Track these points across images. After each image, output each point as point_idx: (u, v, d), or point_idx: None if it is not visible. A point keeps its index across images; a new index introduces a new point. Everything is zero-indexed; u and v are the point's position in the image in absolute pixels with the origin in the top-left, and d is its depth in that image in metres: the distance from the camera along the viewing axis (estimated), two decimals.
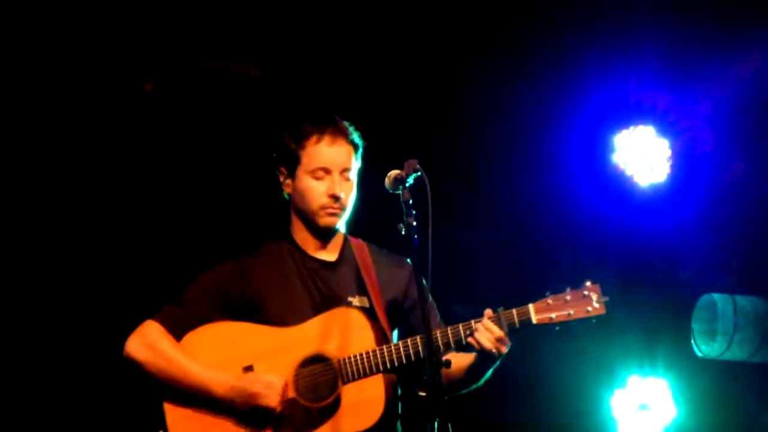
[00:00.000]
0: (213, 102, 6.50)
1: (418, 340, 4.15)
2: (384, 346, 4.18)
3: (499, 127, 6.96)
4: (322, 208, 4.32)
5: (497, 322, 4.09)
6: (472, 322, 4.15)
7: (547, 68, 6.89)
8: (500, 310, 4.12)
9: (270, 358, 4.21)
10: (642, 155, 7.03)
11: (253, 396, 4.16)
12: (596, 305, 4.12)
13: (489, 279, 6.90)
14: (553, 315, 4.10)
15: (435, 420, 3.70)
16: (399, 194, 4.12)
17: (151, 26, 6.29)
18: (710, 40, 6.70)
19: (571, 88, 6.95)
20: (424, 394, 3.81)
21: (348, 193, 4.36)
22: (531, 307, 4.13)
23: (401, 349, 4.16)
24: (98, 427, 6.24)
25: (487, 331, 4.10)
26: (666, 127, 7.07)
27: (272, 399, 4.14)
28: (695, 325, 7.02)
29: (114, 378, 5.78)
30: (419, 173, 4.11)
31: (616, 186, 7.11)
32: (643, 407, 6.95)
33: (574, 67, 6.92)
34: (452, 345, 4.16)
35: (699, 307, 7.04)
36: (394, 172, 4.18)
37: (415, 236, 3.99)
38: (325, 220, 4.34)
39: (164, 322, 4.31)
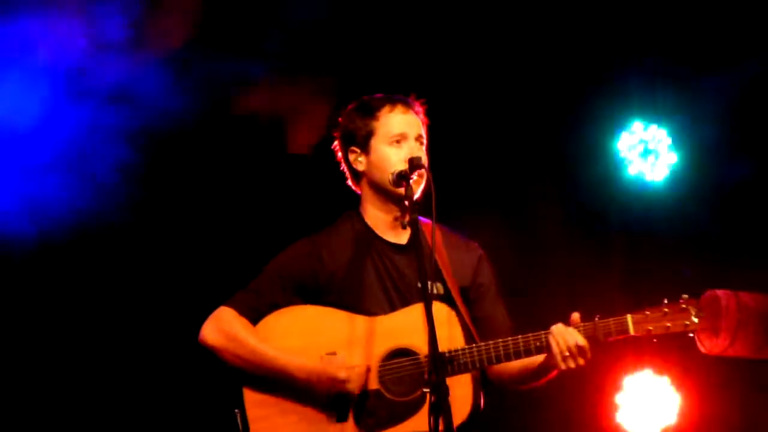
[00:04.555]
0: None
1: (510, 342, 4.04)
2: (474, 346, 4.07)
3: (505, 127, 6.97)
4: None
5: (591, 330, 3.99)
6: (554, 327, 4.01)
7: (550, 65, 6.90)
8: (596, 318, 4.00)
9: (353, 347, 4.13)
10: (647, 152, 7.04)
11: (334, 380, 4.09)
12: (695, 320, 4.01)
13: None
14: (651, 327, 4.00)
15: (438, 416, 3.68)
16: (403, 190, 4.13)
17: None
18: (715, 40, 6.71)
19: (576, 84, 6.95)
20: (428, 390, 3.78)
21: (425, 159, 4.23)
22: (629, 317, 4.01)
23: (492, 350, 4.05)
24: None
25: (568, 338, 3.97)
26: (671, 122, 7.08)
27: (354, 384, 4.07)
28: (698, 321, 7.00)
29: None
30: (422, 170, 4.11)
31: (621, 181, 7.11)
32: (647, 403, 6.96)
33: (578, 63, 6.92)
34: (529, 353, 4.04)
35: (702, 303, 7.03)
36: (397, 169, 4.19)
37: (416, 232, 3.98)
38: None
39: (238, 308, 4.25)
